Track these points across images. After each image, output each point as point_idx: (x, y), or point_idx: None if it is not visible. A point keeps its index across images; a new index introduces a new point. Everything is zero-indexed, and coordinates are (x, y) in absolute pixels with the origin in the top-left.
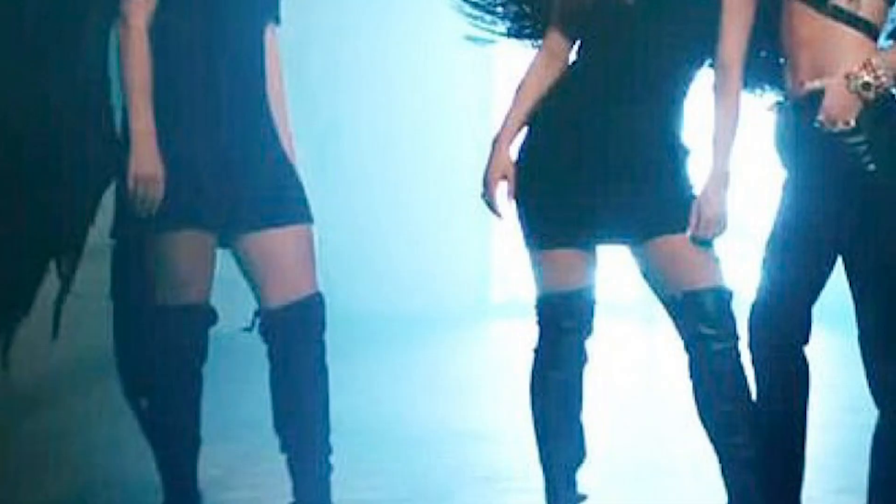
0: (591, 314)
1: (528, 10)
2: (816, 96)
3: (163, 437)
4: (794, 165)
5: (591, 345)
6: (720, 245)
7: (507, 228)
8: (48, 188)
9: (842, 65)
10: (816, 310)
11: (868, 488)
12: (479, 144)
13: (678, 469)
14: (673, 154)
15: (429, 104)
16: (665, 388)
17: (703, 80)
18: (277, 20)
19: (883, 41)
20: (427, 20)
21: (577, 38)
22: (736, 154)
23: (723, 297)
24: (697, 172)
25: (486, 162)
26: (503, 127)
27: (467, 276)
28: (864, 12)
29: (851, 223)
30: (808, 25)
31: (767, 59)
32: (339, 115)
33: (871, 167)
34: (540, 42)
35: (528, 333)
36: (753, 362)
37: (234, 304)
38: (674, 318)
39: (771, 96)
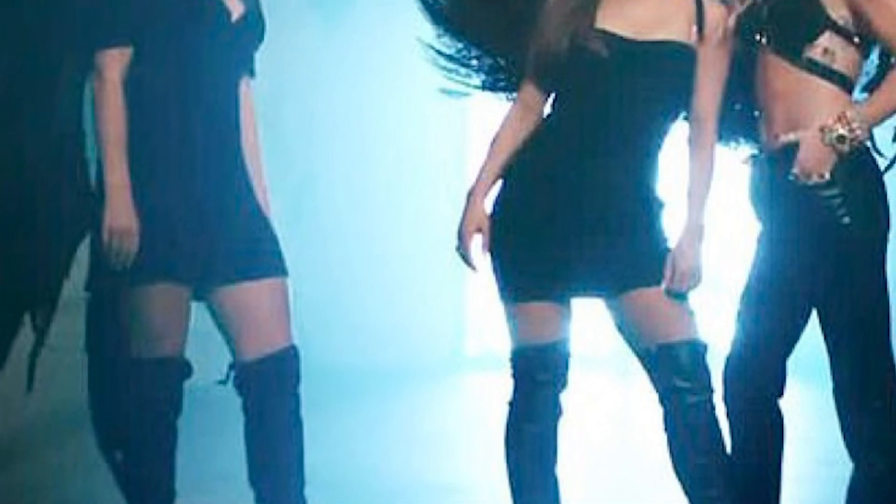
0: (566, 367)
1: (502, 62)
2: (791, 149)
3: (137, 491)
4: (768, 218)
5: (565, 397)
6: (695, 298)
7: (481, 281)
8: (23, 241)
9: (816, 118)
10: (791, 362)
11: None
12: (453, 197)
13: None
14: (647, 207)
15: (404, 157)
16: (640, 441)
17: (677, 133)
18: (252, 73)
19: (857, 94)
20: (402, 73)
21: (551, 91)
22: (710, 207)
23: (697, 350)
24: (672, 225)
25: (460, 215)
26: (478, 180)
27: (442, 328)
28: (839, 65)
29: (826, 276)
30: (782, 78)
31: (742, 112)
32: (314, 167)
33: (846, 220)
34: (515, 95)
35: (502, 386)
36: (728, 415)
37: (208, 357)
38: (648, 371)
39: (746, 149)
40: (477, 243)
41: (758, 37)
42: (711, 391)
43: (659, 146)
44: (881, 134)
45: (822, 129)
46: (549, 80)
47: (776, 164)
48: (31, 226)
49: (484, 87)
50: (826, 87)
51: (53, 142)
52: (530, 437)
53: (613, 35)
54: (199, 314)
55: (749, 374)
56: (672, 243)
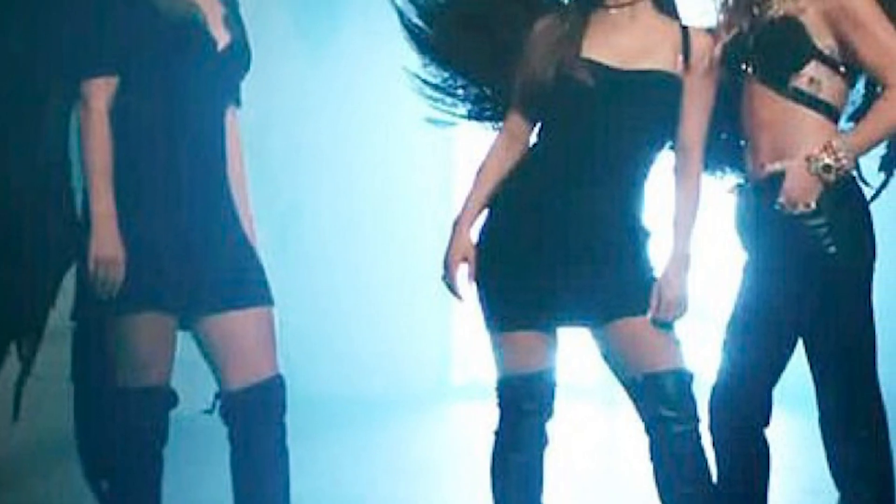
0: (552, 396)
1: (488, 92)
2: (777, 178)
3: None
4: (754, 247)
5: (551, 427)
6: (681, 327)
7: (467, 311)
8: (9, 270)
9: (802, 147)
10: (777, 392)
11: None
12: (439, 226)
13: None
14: (633, 236)
15: (390, 186)
16: (626, 471)
17: (663, 162)
18: (238, 102)
19: (843, 123)
20: (388, 102)
21: (537, 120)
22: (696, 236)
23: (683, 380)
24: (658, 254)
25: (446, 244)
26: (464, 209)
27: (428, 358)
28: (825, 95)
29: (812, 305)
30: (768, 108)
31: (728, 142)
32: (300, 196)
33: (832, 249)
34: (500, 124)
35: (488, 416)
36: (714, 444)
37: (194, 387)
38: (634, 401)
39: (731, 178)
40: (463, 272)
41: (744, 66)
42: (697, 420)
43: (645, 175)
44: (867, 163)
45: (808, 159)
46: (535, 110)
47: (762, 193)
48: (17, 254)
49: (470, 116)
50: (812, 117)
51: (39, 170)
52: (516, 466)
53: (599, 64)
54: (184, 343)
55: (735, 403)
56: (658, 272)
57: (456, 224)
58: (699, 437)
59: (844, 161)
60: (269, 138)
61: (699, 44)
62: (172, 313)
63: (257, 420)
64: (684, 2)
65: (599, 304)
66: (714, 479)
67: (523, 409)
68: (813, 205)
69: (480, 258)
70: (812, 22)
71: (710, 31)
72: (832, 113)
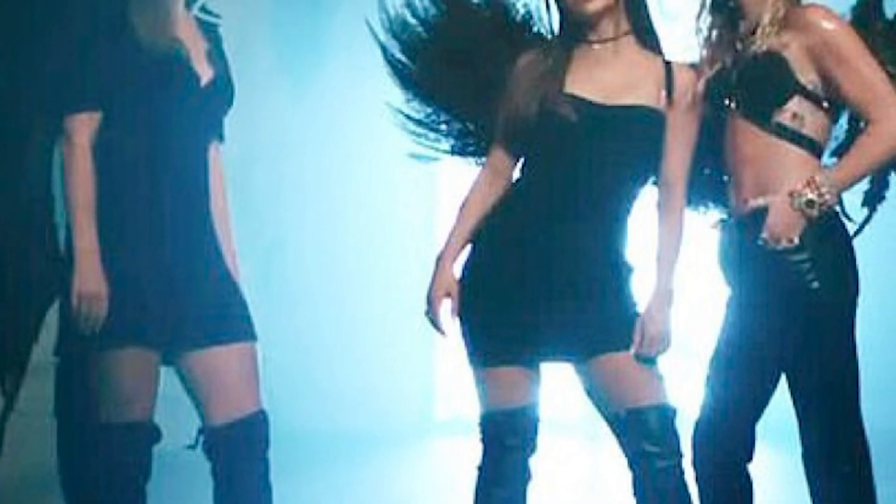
0: (535, 432)
1: (471, 127)
2: (760, 214)
3: None
4: (737, 283)
5: (534, 462)
6: (664, 362)
7: (450, 346)
8: None
9: (785, 182)
10: (760, 427)
11: None
12: (422, 262)
13: None
14: (616, 271)
15: (373, 221)
16: None
17: (646, 198)
18: (221, 137)
19: (827, 159)
20: (371, 138)
21: (520, 156)
22: (680, 271)
23: (666, 415)
24: (641, 290)
25: (429, 279)
26: (447, 244)
27: (411, 393)
28: (808, 130)
29: (795, 341)
30: (751, 143)
31: (711, 177)
32: (284, 232)
33: (815, 285)
34: (484, 159)
35: (471, 451)
36: (697, 480)
37: (177, 422)
38: (617, 436)
39: (715, 213)
40: (446, 308)
41: (727, 101)
42: (681, 456)
43: (628, 211)
44: (850, 199)
45: (791, 194)
46: (519, 145)
47: (745, 228)
48: None
49: (453, 151)
50: (795, 152)
51: (22, 206)
52: (499, 501)
53: (582, 99)
54: (168, 379)
55: (718, 438)
56: (641, 308)
57: (439, 259)
58: (682, 473)
59: (827, 196)
60: (253, 173)
61: (682, 79)
62: (155, 348)
63: (240, 456)
64: (667, 37)
65: (582, 340)
66: None
67: (506, 444)
68: (796, 240)
69: (463, 293)
70: (795, 57)
71: (693, 66)
72: (815, 148)
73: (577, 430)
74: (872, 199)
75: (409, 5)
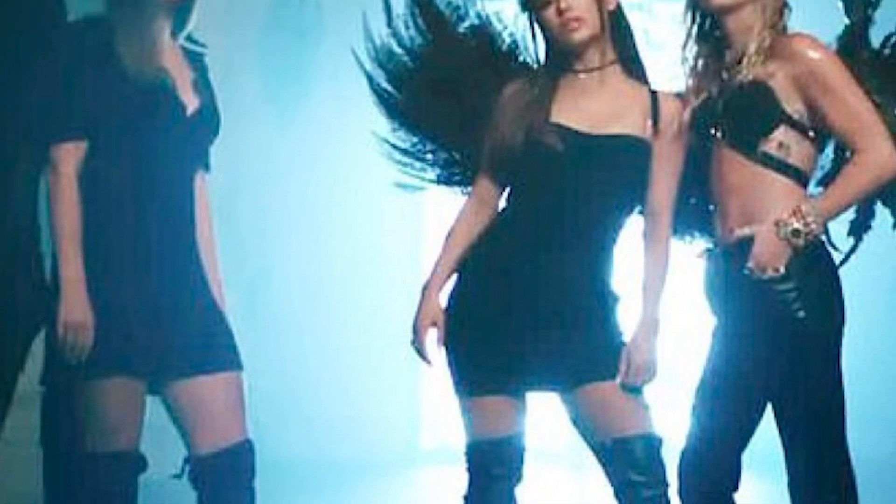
0: (521, 461)
1: (457, 156)
2: (746, 243)
3: None
4: (723, 312)
5: (520, 492)
6: (650, 392)
7: (436, 375)
8: None
9: (771, 212)
10: (746, 456)
11: None
12: (408, 291)
13: None
14: (603, 301)
15: (358, 251)
16: None
17: (632, 227)
18: (207, 167)
19: (812, 188)
20: (357, 167)
21: (506, 185)
22: (666, 301)
23: (652, 444)
24: (627, 319)
25: (415, 309)
26: (433, 274)
27: (397, 422)
28: (794, 159)
29: (781, 370)
30: (737, 172)
31: (697, 206)
32: (269, 261)
33: (801, 314)
34: (469, 189)
35: (457, 480)
36: None
37: (163, 451)
38: (603, 465)
39: (700, 243)
40: (432, 337)
41: (713, 131)
42: (666, 485)
43: (614, 240)
44: (836, 228)
45: (777, 224)
46: (504, 174)
47: (731, 258)
48: None
49: (439, 181)
50: (781, 181)
51: (8, 235)
52: None
53: (568, 129)
54: (154, 408)
55: (704, 468)
56: (627, 337)
57: (425, 289)
58: (668, 502)
59: (813, 226)
60: (238, 203)
61: (668, 108)
62: (141, 378)
63: (226, 485)
64: (653, 66)
65: (568, 369)
66: None
67: (492, 473)
68: (782, 269)
69: (449, 323)
70: (781, 87)
71: (679, 95)
72: (801, 177)
73: (562, 459)
74: (858, 229)
75: (395, 35)
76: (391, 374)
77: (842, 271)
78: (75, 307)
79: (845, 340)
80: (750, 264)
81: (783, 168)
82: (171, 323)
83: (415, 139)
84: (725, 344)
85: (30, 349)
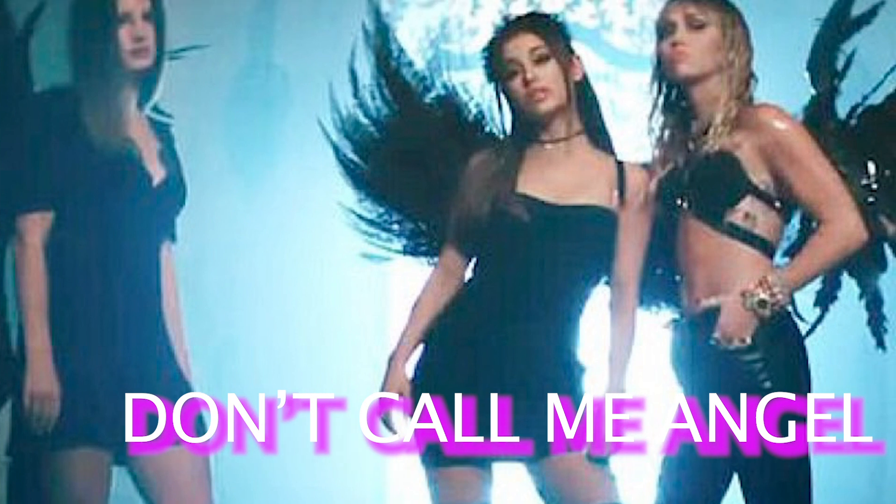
0: None
1: (423, 227)
2: (712, 314)
3: None
4: (689, 383)
5: None
6: (616, 462)
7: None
8: None
9: (738, 282)
10: None
11: None
12: (374, 362)
13: None
14: (569, 371)
15: (325, 321)
16: None
17: (599, 298)
18: (173, 237)
19: (779, 258)
20: (323, 237)
21: (472, 255)
22: (632, 371)
23: None
24: (593, 390)
25: (381, 379)
26: (399, 344)
27: (363, 493)
28: (760, 230)
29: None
30: (703, 243)
31: (663, 277)
32: (235, 332)
33: (767, 385)
34: (436, 259)
35: None
36: None
37: None
38: None
39: (667, 313)
40: (398, 408)
41: (679, 201)
42: None
43: (580, 310)
44: (802, 299)
45: (743, 294)
46: (471, 245)
47: (697, 328)
48: None
49: (405, 251)
50: (747, 252)
51: None
52: None
53: (535, 199)
54: (120, 479)
55: None
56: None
57: (391, 359)
58: None
59: (780, 296)
60: (204, 273)
61: (634, 179)
62: (108, 448)
63: None
64: (619, 137)
65: (535, 440)
66: None
67: None
68: (748, 340)
69: (416, 393)
70: (747, 157)
71: (645, 166)
72: (767, 248)
73: None
74: (825, 300)
75: (362, 105)
76: (357, 444)
77: (808, 342)
78: (41, 378)
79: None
80: (716, 335)
81: (749, 238)
82: (137, 393)
83: (381, 210)
84: (692, 414)
85: None
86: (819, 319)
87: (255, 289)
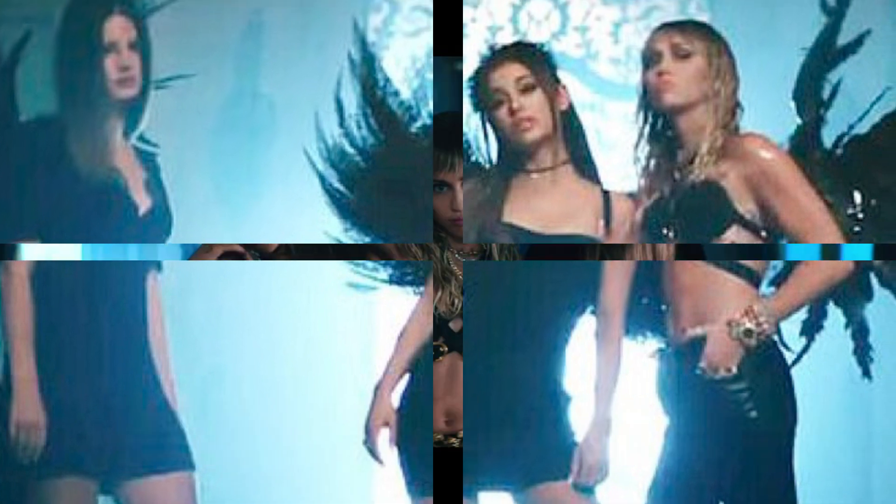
0: None
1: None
2: (698, 343)
3: None
4: (675, 412)
5: None
6: (602, 492)
7: (388, 475)
8: None
9: (724, 311)
10: None
11: None
12: (360, 391)
13: None
14: (555, 401)
15: (311, 350)
16: None
17: (584, 327)
18: (159, 267)
19: (765, 288)
20: (309, 267)
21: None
22: (618, 401)
23: None
24: (579, 419)
25: (368, 408)
26: (385, 374)
27: None
28: (746, 259)
29: (733, 470)
30: (689, 272)
31: (649, 306)
32: (221, 361)
33: (753, 414)
34: (421, 289)
35: None
36: None
37: None
38: None
39: (653, 343)
40: (384, 437)
41: (665, 231)
42: None
43: (566, 340)
44: (788, 328)
45: (729, 324)
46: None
47: (683, 357)
48: None
49: (391, 280)
50: (733, 281)
51: None
52: None
53: (521, 229)
54: None
55: None
56: (579, 437)
57: (377, 389)
58: None
59: (766, 326)
60: (190, 302)
61: (620, 208)
62: (93, 478)
63: None
64: (605, 166)
65: (521, 469)
66: None
67: None
68: (734, 369)
69: (401, 423)
70: (733, 186)
71: (631, 195)
72: (753, 277)
73: None
74: (811, 329)
75: (347, 135)
76: (343, 474)
77: (794, 371)
78: (27, 407)
79: (797, 441)
80: (702, 364)
81: (735, 268)
82: (123, 423)
83: (367, 239)
84: (677, 444)
85: None
86: (805, 349)
87: (241, 318)
